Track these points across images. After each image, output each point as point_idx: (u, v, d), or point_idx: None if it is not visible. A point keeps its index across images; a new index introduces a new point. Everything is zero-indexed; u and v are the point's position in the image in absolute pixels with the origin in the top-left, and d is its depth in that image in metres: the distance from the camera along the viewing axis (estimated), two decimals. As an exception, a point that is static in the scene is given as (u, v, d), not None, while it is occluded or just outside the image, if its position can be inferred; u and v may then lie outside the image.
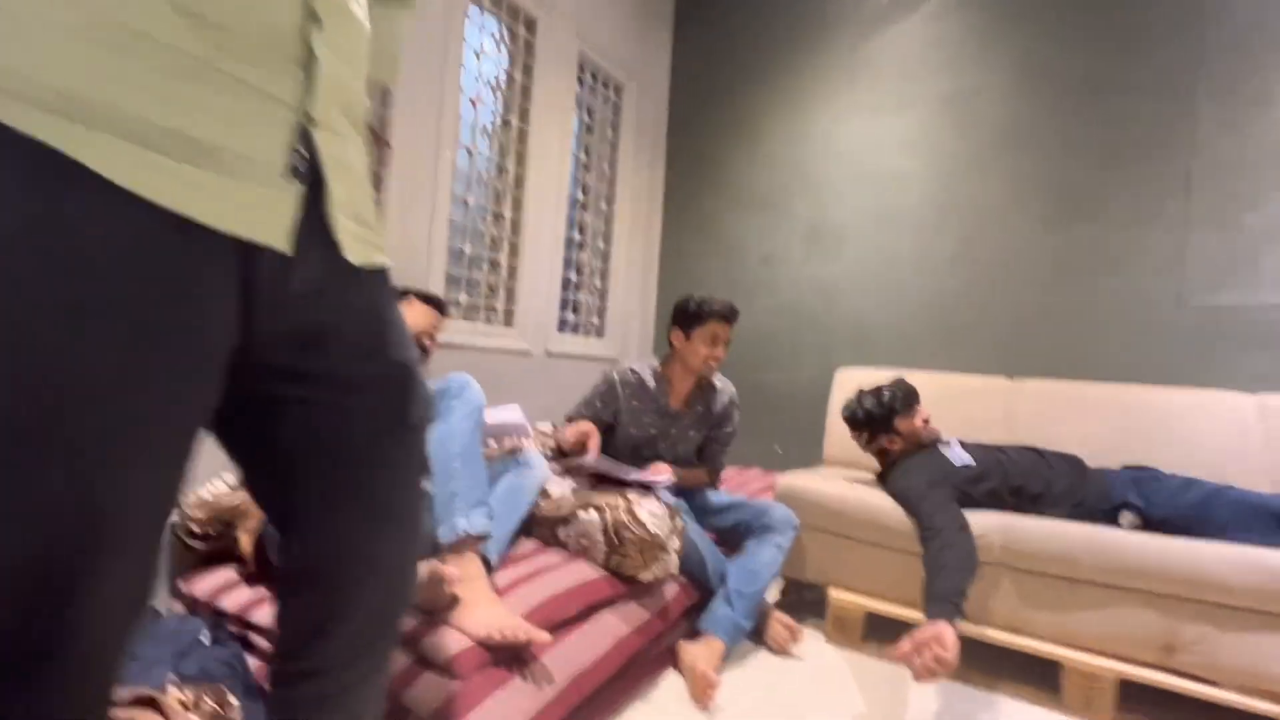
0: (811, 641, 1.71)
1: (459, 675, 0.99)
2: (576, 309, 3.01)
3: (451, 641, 1.04)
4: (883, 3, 2.81)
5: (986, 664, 1.62)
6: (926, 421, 1.88)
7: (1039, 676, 1.54)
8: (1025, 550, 1.55)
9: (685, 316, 1.75)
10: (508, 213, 2.52)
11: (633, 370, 1.80)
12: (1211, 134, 2.15)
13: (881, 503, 1.75)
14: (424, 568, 1.14)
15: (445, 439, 1.16)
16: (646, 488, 1.55)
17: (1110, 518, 1.61)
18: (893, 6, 2.79)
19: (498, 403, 1.80)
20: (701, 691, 1.36)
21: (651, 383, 1.80)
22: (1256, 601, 1.32)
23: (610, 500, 1.44)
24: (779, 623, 1.67)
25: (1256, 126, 2.09)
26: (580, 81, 2.89)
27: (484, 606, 1.09)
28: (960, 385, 2.33)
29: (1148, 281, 2.23)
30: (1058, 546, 1.51)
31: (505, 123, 2.52)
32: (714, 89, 3.25)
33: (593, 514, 1.42)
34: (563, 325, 2.90)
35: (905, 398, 1.87)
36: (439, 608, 1.11)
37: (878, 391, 1.89)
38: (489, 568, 1.28)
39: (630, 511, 1.38)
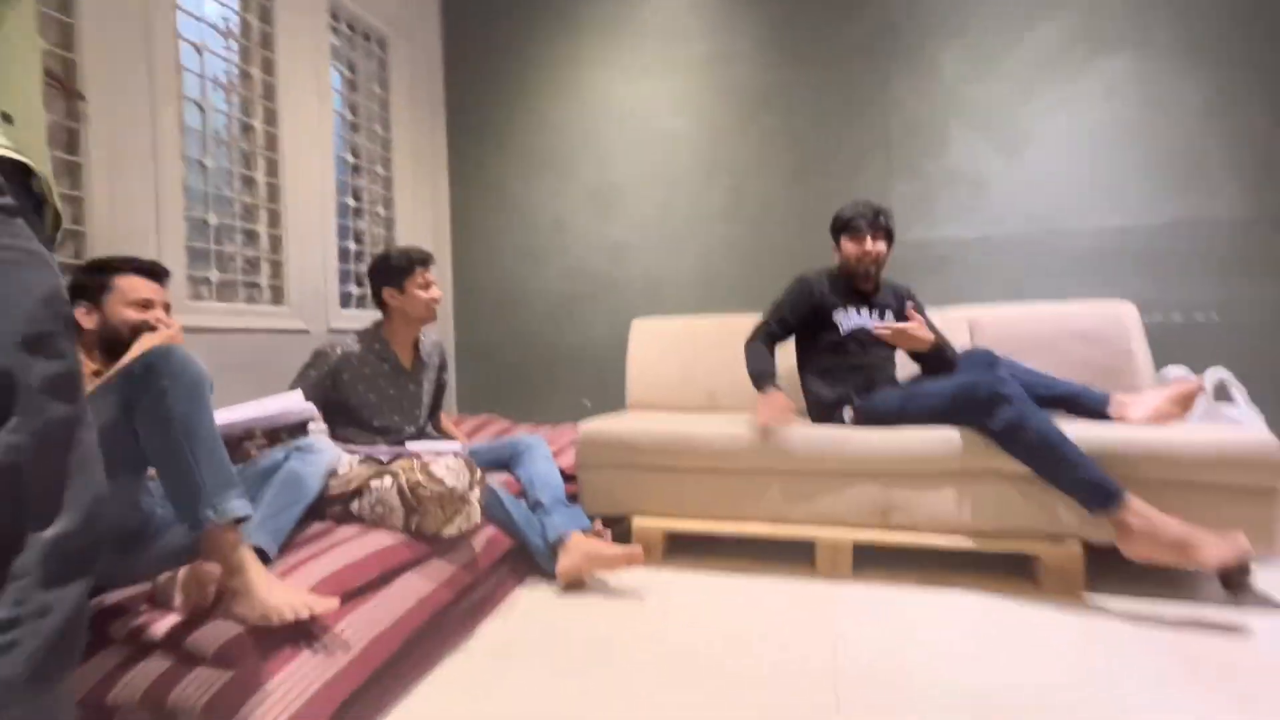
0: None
1: (232, 665, 0.93)
2: (362, 282, 2.81)
3: (222, 632, 0.96)
4: (643, -32, 2.95)
5: (757, 555, 1.90)
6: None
7: (799, 557, 1.85)
8: (787, 452, 1.83)
9: (393, 272, 1.83)
10: (261, 177, 2.25)
11: (348, 348, 1.81)
12: (902, 96, 2.62)
13: (671, 430, 1.94)
14: (177, 573, 1.04)
15: (169, 425, 1.02)
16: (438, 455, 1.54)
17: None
18: (652, -28, 2.94)
19: (275, 390, 1.65)
20: (628, 558, 1.57)
21: (376, 346, 1.85)
22: (936, 466, 1.72)
23: (403, 464, 1.41)
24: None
25: (931, 88, 2.60)
26: (335, 31, 2.64)
27: (260, 590, 1.02)
28: (735, 326, 2.60)
29: (867, 224, 2.68)
30: (809, 446, 1.82)
31: (245, 75, 2.23)
32: (491, 47, 3.17)
33: (386, 480, 1.38)
34: (347, 300, 2.70)
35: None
36: (205, 609, 1.02)
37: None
38: (265, 560, 1.19)
39: (425, 470, 1.38)
